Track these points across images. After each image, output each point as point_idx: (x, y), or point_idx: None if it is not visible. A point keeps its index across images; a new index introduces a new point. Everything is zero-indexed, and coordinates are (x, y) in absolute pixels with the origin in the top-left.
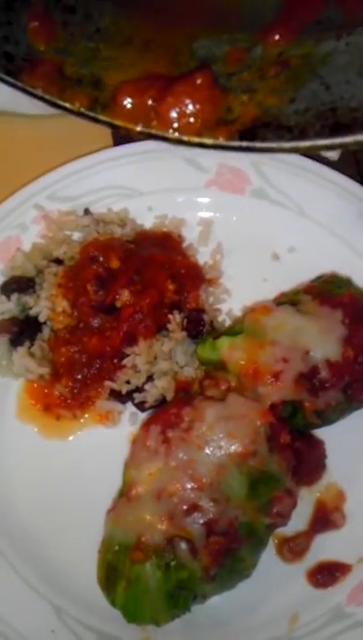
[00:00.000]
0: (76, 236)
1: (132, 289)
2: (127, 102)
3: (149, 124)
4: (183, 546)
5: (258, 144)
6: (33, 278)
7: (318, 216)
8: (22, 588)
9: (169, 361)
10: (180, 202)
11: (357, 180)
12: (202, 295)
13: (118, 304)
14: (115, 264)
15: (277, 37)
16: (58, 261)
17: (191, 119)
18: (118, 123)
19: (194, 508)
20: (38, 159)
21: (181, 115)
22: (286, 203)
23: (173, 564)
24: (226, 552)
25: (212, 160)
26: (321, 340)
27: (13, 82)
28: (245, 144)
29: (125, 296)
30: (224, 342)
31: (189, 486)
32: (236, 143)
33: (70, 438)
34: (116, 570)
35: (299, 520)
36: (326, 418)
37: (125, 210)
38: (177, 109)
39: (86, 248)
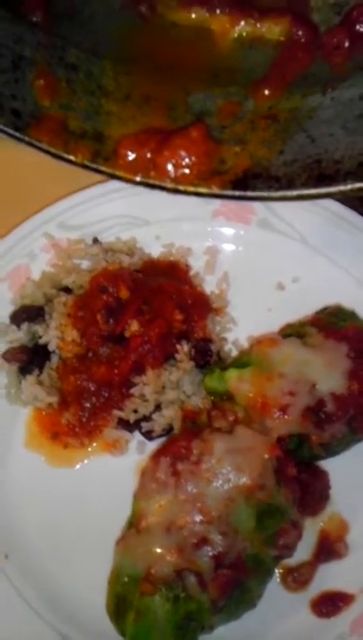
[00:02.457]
0: (85, 264)
1: (140, 319)
2: (128, 155)
3: (147, 175)
4: (192, 579)
5: (249, 193)
6: (42, 307)
7: (322, 247)
8: (30, 617)
9: (177, 390)
10: (186, 231)
11: (359, 212)
12: (209, 325)
13: (127, 334)
14: (124, 294)
15: (266, 92)
16: (67, 290)
17: (187, 170)
18: (119, 174)
19: (203, 541)
20: (47, 188)
21: (178, 166)
22: (291, 233)
23: (181, 595)
24: (234, 584)
25: None
26: (327, 373)
27: (21, 137)
28: (237, 193)
29: (134, 326)
30: (232, 374)
31: (198, 519)
32: (229, 192)
33: (78, 466)
34: (125, 601)
35: (303, 550)
36: (331, 450)
37: (133, 239)
38: (173, 161)
39: (96, 278)
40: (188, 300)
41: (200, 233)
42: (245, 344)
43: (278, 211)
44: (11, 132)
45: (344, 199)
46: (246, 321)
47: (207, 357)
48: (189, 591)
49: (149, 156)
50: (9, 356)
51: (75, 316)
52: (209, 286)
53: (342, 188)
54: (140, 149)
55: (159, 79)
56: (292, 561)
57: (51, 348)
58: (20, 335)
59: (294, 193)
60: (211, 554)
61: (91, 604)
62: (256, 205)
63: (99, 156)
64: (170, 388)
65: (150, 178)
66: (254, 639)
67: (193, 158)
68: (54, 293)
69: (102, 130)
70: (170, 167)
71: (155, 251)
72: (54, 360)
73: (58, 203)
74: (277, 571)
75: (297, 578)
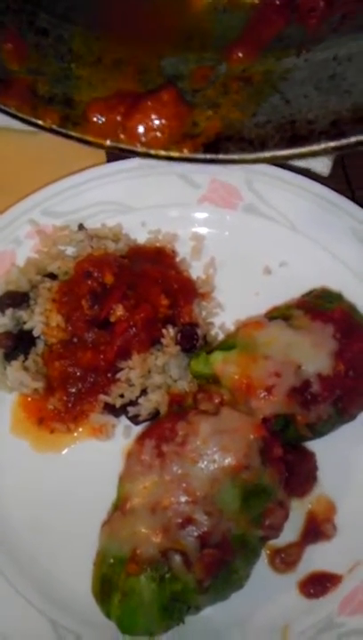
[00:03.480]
0: (70, 250)
1: (126, 304)
2: (97, 119)
3: (118, 139)
4: (177, 558)
5: (221, 156)
6: (27, 293)
7: (309, 231)
8: (18, 601)
9: (163, 375)
10: (173, 217)
11: (347, 196)
12: (195, 309)
13: (112, 319)
14: (109, 279)
15: (240, 54)
16: (52, 276)
17: (158, 133)
18: (89, 138)
19: (188, 521)
20: (33, 175)
21: (148, 129)
22: (278, 218)
23: (167, 576)
24: (219, 564)
25: (205, 176)
26: (313, 354)
27: None
28: (209, 156)
29: (119, 311)
30: (218, 357)
31: (183, 500)
32: (201, 156)
33: (64, 452)
34: (111, 582)
35: (290, 531)
36: (317, 430)
37: (119, 225)
38: (144, 124)
39: (81, 264)
40: (174, 285)
41: (186, 219)
42: (232, 328)
43: (264, 195)
44: None
45: (331, 182)
46: (233, 305)
47: (193, 341)
48: (175, 571)
49: (119, 119)
50: None
51: (60, 302)
52: (196, 272)
53: (314, 147)
54: (109, 113)
55: (131, 43)
56: (279, 542)
57: (36, 333)
58: (4, 321)
59: (267, 154)
60: (196, 534)
61: (78, 588)
62: (242, 190)
63: (68, 120)
64: (156, 372)
65: (121, 142)
66: (242, 620)
67: (164, 121)
68: (39, 279)
69: (72, 94)
70: (141, 130)
71: (141, 237)
72: (40, 346)
73: (43, 189)
74: (264, 552)
75: (285, 559)
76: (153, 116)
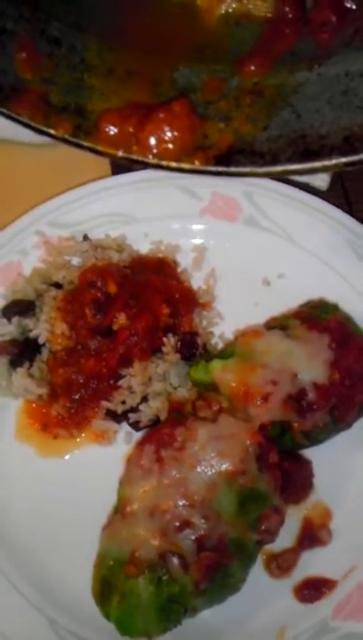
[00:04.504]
0: (75, 260)
1: (128, 312)
2: (109, 129)
3: (130, 150)
4: (175, 561)
5: (233, 169)
6: (33, 302)
7: (307, 244)
8: (18, 600)
9: (163, 382)
10: (175, 229)
11: (344, 210)
12: (195, 319)
13: (115, 327)
14: (112, 289)
15: (252, 68)
16: (57, 285)
17: (170, 145)
18: (100, 148)
19: (186, 524)
20: (39, 187)
21: (160, 141)
22: (276, 231)
23: (165, 578)
24: (216, 567)
25: (206, 189)
26: (309, 363)
27: (2, 110)
28: (220, 169)
29: (121, 319)
30: (216, 365)
31: (181, 503)
32: (212, 168)
33: (67, 457)
34: (110, 584)
35: (286, 537)
36: (314, 438)
37: (123, 236)
38: (156, 136)
39: (85, 273)
40: (175, 295)
41: (188, 230)
42: (231, 337)
43: (264, 208)
44: None
45: (330, 196)
46: (232, 315)
47: (193, 350)
48: (172, 573)
49: (131, 130)
50: (0, 349)
51: (64, 310)
52: (197, 282)
53: (326, 162)
54: (122, 124)
55: (143, 54)
56: (275, 547)
57: (41, 341)
58: (10, 329)
59: (279, 168)
60: (193, 537)
61: (78, 589)
62: (242, 203)
63: (80, 130)
64: (157, 379)
65: (133, 153)
66: (238, 623)
67: (176, 133)
68: (45, 288)
69: (84, 104)
70: (153, 142)
71: (144, 248)
72: (44, 353)
73: (49, 201)
74: (261, 557)
75: (281, 564)
76: (165, 128)
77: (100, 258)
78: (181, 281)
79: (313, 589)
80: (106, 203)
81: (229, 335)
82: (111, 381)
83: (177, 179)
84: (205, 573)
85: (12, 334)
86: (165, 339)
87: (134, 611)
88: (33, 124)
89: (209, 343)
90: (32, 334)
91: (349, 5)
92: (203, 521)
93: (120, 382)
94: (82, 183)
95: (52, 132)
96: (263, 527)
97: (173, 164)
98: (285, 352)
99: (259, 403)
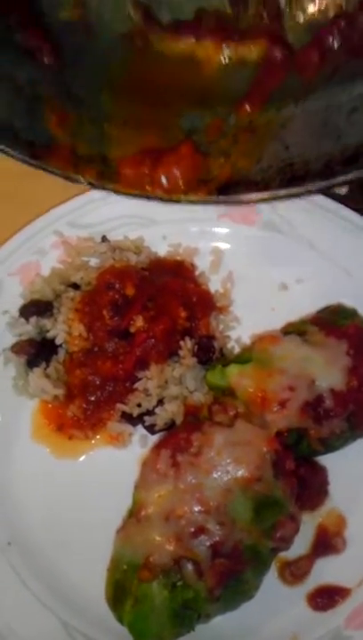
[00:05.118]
0: (94, 261)
1: (145, 315)
2: (127, 173)
3: (144, 189)
4: (190, 567)
5: (232, 197)
6: (51, 302)
7: (326, 248)
8: (31, 602)
9: (179, 386)
10: (193, 231)
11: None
12: (212, 322)
13: (132, 329)
14: (130, 291)
15: (247, 108)
16: (75, 286)
17: (179, 182)
18: (120, 190)
19: (201, 530)
20: (57, 186)
21: (170, 179)
22: (295, 235)
23: (179, 584)
24: (230, 574)
25: None
26: (327, 369)
27: (38, 164)
28: (222, 198)
29: (139, 322)
30: (233, 370)
31: (196, 509)
32: (214, 198)
33: (81, 458)
34: (124, 588)
35: (301, 544)
36: (330, 445)
37: (141, 238)
38: (166, 175)
39: (103, 275)
40: (192, 298)
41: (206, 233)
42: (248, 342)
43: (282, 213)
44: (29, 160)
45: (349, 202)
46: (249, 320)
47: (210, 354)
48: (187, 579)
49: (145, 172)
50: (17, 348)
51: (82, 311)
52: (214, 285)
53: (309, 187)
54: (137, 168)
55: (153, 105)
56: (289, 555)
57: (58, 341)
58: (28, 329)
59: (267, 194)
60: (208, 543)
61: (91, 592)
62: (261, 207)
63: (103, 176)
64: (173, 383)
65: (147, 192)
66: (251, 630)
67: (183, 171)
68: (63, 289)
69: (106, 153)
70: (164, 181)
71: (161, 250)
72: (61, 354)
73: (69, 202)
74: (274, 564)
75: (294, 571)
76: (173, 169)
77: (119, 259)
78: (199, 284)
79: (327, 597)
80: (125, 204)
81: (246, 339)
82: (127, 384)
83: None
84: (219, 580)
85: (29, 334)
86: (182, 342)
87: (148, 615)
88: (64, 174)
89: (226, 347)
90: (49, 335)
91: (329, 45)
92: (218, 527)
93: (136, 385)
94: None
95: (80, 179)
96: (278, 535)
97: (183, 197)
98: (302, 358)
99: (276, 409)
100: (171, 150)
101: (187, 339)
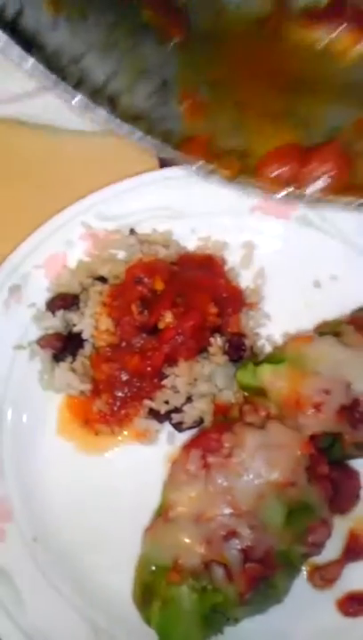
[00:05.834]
0: (121, 254)
1: (175, 311)
2: (270, 171)
3: (289, 187)
4: (220, 571)
5: None
6: (78, 295)
7: (362, 245)
8: (56, 599)
9: (209, 383)
10: (223, 225)
11: None
12: (242, 319)
13: (161, 325)
14: (159, 286)
15: None
16: (102, 279)
17: (324, 183)
18: (264, 187)
19: (232, 534)
20: (84, 175)
21: (315, 180)
22: (331, 230)
23: (209, 587)
24: (261, 578)
25: None
26: None
27: (176, 154)
28: None
29: (168, 318)
30: (266, 370)
31: (227, 512)
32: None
33: (107, 454)
34: (152, 589)
35: (331, 549)
36: None
37: (169, 231)
38: (312, 176)
39: (132, 269)
40: (222, 294)
41: (237, 227)
42: (279, 340)
43: (318, 207)
44: (170, 150)
45: None
46: (281, 317)
47: (241, 352)
48: (216, 583)
49: (289, 171)
50: (43, 342)
51: (110, 306)
52: (244, 281)
53: None
54: (280, 166)
55: (290, 96)
56: (319, 559)
57: (85, 336)
58: (55, 322)
59: None
60: (239, 547)
61: (118, 591)
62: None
63: (244, 171)
64: (202, 380)
65: (291, 192)
66: (279, 634)
67: (330, 173)
68: (90, 282)
69: (246, 146)
70: (309, 181)
71: (191, 244)
72: (88, 348)
73: (96, 193)
74: (304, 568)
75: (324, 576)
76: (319, 169)
77: (147, 253)
78: (229, 279)
79: (357, 604)
80: (154, 196)
81: (277, 337)
82: (155, 380)
83: None
84: (249, 584)
85: (55, 328)
86: (211, 339)
87: (176, 618)
88: (206, 166)
89: (256, 345)
90: (76, 329)
91: None
92: (249, 531)
93: (164, 382)
94: (128, 175)
95: (225, 173)
96: (311, 540)
97: (331, 197)
98: (338, 360)
99: (310, 412)
100: (317, 149)
101: (217, 336)
